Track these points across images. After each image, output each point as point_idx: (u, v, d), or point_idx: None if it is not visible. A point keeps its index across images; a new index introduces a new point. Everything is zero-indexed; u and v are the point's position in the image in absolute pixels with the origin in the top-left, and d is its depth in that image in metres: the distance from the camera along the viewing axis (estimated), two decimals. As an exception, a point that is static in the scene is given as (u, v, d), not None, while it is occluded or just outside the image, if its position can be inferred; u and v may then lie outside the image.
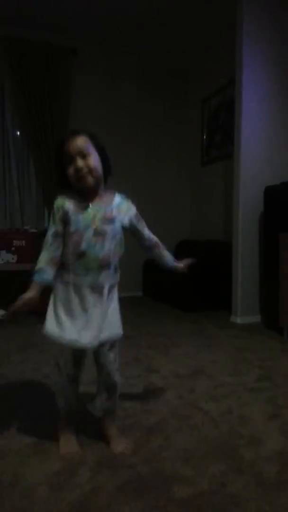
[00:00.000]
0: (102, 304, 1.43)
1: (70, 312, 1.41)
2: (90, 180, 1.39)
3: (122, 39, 4.48)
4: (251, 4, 3.39)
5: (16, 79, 4.16)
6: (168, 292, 4.20)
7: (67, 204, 1.40)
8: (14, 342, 2.96)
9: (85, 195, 1.43)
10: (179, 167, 5.08)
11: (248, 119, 3.45)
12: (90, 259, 1.40)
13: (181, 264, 1.70)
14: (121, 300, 1.53)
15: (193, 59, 4.83)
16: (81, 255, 1.40)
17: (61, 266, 1.42)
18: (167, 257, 1.66)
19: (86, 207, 1.41)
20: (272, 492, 1.28)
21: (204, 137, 4.77)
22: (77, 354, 1.48)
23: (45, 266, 1.39)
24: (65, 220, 1.40)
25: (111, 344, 1.51)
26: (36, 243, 4.15)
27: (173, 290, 4.11)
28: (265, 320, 3.42)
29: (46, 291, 1.43)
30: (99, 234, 1.41)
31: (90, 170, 1.38)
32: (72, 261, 1.40)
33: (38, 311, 1.48)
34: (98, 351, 1.50)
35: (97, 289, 1.42)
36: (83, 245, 1.39)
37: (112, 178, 1.53)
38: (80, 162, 1.38)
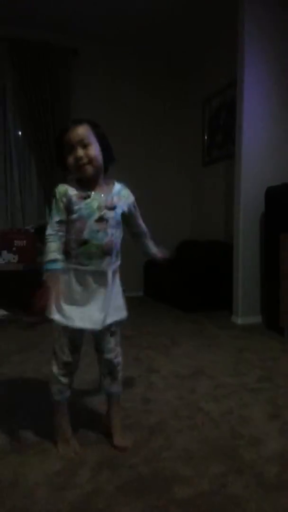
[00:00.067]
0: (106, 289, 1.45)
1: (73, 301, 1.42)
2: (89, 169, 1.41)
3: (123, 39, 4.48)
4: (252, 4, 3.39)
5: (17, 79, 4.16)
6: (169, 292, 4.20)
7: (70, 191, 1.41)
8: (14, 342, 2.96)
9: (85, 183, 1.44)
10: (180, 168, 5.08)
11: (249, 119, 3.45)
12: (93, 247, 1.41)
13: (160, 255, 1.73)
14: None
15: (194, 59, 4.83)
16: (84, 242, 1.41)
17: (63, 255, 1.43)
18: (150, 246, 1.70)
19: (88, 195, 1.42)
20: (273, 493, 1.28)
21: (205, 137, 4.77)
22: (74, 342, 1.48)
23: (56, 255, 1.38)
24: (68, 208, 1.40)
25: (113, 330, 1.53)
26: (37, 243, 4.16)
27: (174, 290, 4.11)
28: (265, 321, 3.42)
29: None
30: (102, 221, 1.43)
31: (90, 160, 1.40)
32: (75, 249, 1.41)
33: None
34: (99, 337, 1.52)
35: (100, 275, 1.44)
36: (86, 233, 1.40)
37: (113, 175, 1.54)
38: (80, 152, 1.39)
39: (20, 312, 3.45)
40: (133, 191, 1.59)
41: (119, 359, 1.59)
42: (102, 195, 1.45)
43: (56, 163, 1.50)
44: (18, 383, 2.20)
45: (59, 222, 1.40)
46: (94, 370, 1.71)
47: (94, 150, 1.41)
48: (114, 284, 1.51)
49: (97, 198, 1.44)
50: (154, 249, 1.70)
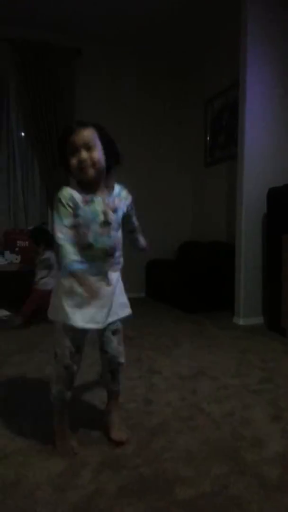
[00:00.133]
0: (108, 288, 1.47)
1: (75, 304, 1.43)
2: (92, 172, 1.42)
3: (124, 39, 4.49)
4: (254, 4, 3.39)
5: (21, 79, 4.18)
6: (171, 293, 4.20)
7: (74, 195, 1.41)
8: (14, 342, 2.96)
9: (86, 186, 1.44)
10: (182, 168, 5.09)
11: (251, 120, 3.45)
12: (98, 250, 1.43)
13: (147, 248, 1.75)
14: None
15: (196, 59, 4.83)
16: (88, 246, 1.42)
17: None
18: (140, 239, 1.71)
19: (91, 199, 1.43)
20: (274, 494, 1.28)
21: (208, 138, 4.77)
22: (76, 344, 1.49)
23: (76, 256, 1.36)
24: (73, 212, 1.40)
25: (115, 329, 1.55)
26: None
27: (176, 291, 4.11)
28: (267, 322, 3.42)
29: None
30: (105, 225, 1.44)
31: (93, 163, 1.41)
32: (79, 252, 1.40)
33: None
34: (102, 336, 1.55)
35: (102, 277, 1.46)
36: (91, 237, 1.41)
37: (115, 177, 1.55)
38: (84, 154, 1.40)
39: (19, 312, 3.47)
40: (135, 191, 1.60)
41: (122, 359, 1.60)
42: (105, 197, 1.47)
43: (59, 163, 1.51)
44: (19, 383, 2.21)
45: (69, 225, 1.39)
46: (95, 371, 1.72)
47: (98, 153, 1.42)
48: (117, 283, 1.53)
49: (100, 201, 1.44)
50: (143, 242, 1.72)
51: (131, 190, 1.58)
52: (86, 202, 1.42)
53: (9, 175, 4.35)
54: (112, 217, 1.46)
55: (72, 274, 1.35)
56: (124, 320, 1.59)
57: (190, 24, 4.17)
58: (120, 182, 1.57)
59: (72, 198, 1.40)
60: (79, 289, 1.40)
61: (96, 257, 1.44)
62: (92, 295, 1.36)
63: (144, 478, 1.36)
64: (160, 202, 4.94)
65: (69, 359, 1.48)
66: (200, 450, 1.53)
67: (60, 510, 1.21)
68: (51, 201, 4.27)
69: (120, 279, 1.56)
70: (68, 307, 1.42)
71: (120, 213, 1.50)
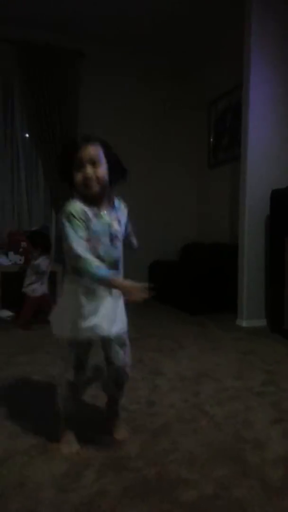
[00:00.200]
0: (112, 298, 1.48)
1: (80, 315, 1.43)
2: (96, 188, 1.43)
3: (127, 40, 4.50)
4: (259, 5, 3.39)
5: (24, 79, 4.20)
6: (174, 295, 4.21)
7: (85, 209, 1.42)
8: (19, 343, 2.98)
9: (90, 200, 1.45)
10: (186, 170, 5.09)
11: (255, 121, 3.45)
12: (106, 262, 1.43)
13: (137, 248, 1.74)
14: (126, 302, 1.55)
15: (199, 61, 4.83)
16: (97, 259, 1.41)
17: (71, 271, 1.45)
18: (133, 241, 1.71)
19: (100, 213, 1.45)
20: (277, 497, 1.28)
21: (211, 139, 4.77)
22: (81, 358, 1.50)
23: (100, 263, 1.38)
24: (86, 225, 1.41)
25: (122, 342, 1.56)
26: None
27: (179, 293, 4.11)
28: (270, 324, 3.42)
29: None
30: (114, 238, 1.47)
31: (98, 179, 1.42)
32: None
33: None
34: (109, 348, 1.54)
35: (108, 288, 1.46)
36: (101, 250, 1.43)
37: (115, 191, 1.56)
38: (89, 170, 1.41)
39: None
40: (139, 193, 1.61)
41: (128, 370, 1.61)
42: (111, 211, 1.49)
43: (61, 178, 1.50)
44: (24, 384, 2.22)
45: (84, 239, 1.39)
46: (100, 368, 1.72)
47: (103, 169, 1.43)
48: (120, 295, 1.52)
49: (106, 215, 1.47)
50: (135, 242, 1.72)
51: (135, 192, 1.60)
52: (96, 216, 1.43)
53: (13, 176, 4.37)
54: (118, 229, 1.49)
55: (103, 280, 1.36)
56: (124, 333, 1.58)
57: (193, 24, 4.17)
58: (124, 184, 1.58)
59: (83, 212, 1.41)
60: (85, 301, 1.42)
61: None
62: (131, 291, 1.35)
63: (147, 480, 1.37)
64: (163, 203, 4.94)
65: (78, 372, 1.50)
66: (202, 452, 1.53)
67: (63, 511, 1.22)
68: (55, 202, 4.30)
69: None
70: (76, 320, 1.43)
71: (123, 226, 1.54)
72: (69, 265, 1.45)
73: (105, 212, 1.47)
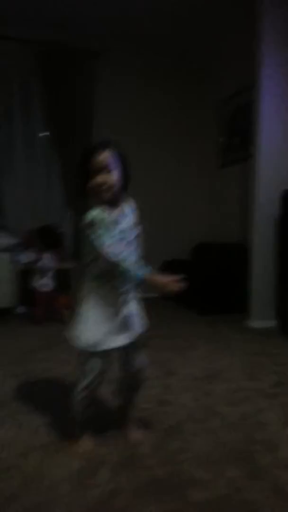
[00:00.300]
0: (132, 303, 1.54)
1: (103, 320, 1.47)
2: (109, 195, 1.47)
3: (142, 41, 4.51)
4: (270, 6, 3.37)
5: (42, 79, 4.24)
6: (185, 295, 4.20)
7: (107, 214, 1.45)
8: (37, 339, 3.04)
9: (106, 205, 1.48)
10: (196, 170, 5.08)
11: (267, 121, 3.44)
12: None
13: None
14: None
15: (211, 60, 4.82)
16: None
17: (95, 277, 1.49)
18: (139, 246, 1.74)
19: (120, 218, 1.48)
20: (288, 499, 1.31)
21: (222, 139, 4.76)
22: (105, 367, 1.52)
23: (137, 264, 1.42)
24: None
25: (138, 345, 1.58)
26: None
27: (190, 293, 4.09)
28: (281, 325, 3.42)
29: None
30: (133, 241, 1.52)
31: (111, 186, 1.46)
32: (110, 269, 1.43)
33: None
34: (126, 352, 1.57)
35: (128, 292, 1.52)
36: (124, 253, 1.44)
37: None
38: (102, 178, 1.45)
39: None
40: (151, 193, 1.63)
41: (145, 373, 1.65)
42: (128, 215, 1.53)
43: (78, 189, 1.54)
44: (42, 380, 2.27)
45: (114, 242, 1.41)
46: (114, 370, 1.76)
47: (115, 176, 1.46)
48: (136, 298, 1.57)
49: (127, 219, 1.51)
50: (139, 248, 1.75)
51: (146, 192, 1.63)
52: (116, 220, 1.47)
53: (31, 175, 4.41)
54: (135, 231, 1.54)
55: (142, 278, 1.38)
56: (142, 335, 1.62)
57: (204, 24, 4.17)
58: (135, 184, 1.61)
59: (108, 217, 1.44)
60: (107, 304, 1.47)
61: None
62: (167, 285, 1.38)
63: (159, 479, 1.40)
64: (174, 203, 4.95)
65: (97, 384, 1.53)
66: (214, 453, 1.56)
67: (79, 507, 1.26)
68: (71, 201, 4.34)
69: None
70: (98, 329, 1.46)
71: (136, 227, 1.57)
72: (95, 272, 1.48)
73: (125, 216, 1.51)
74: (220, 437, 1.68)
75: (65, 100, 4.29)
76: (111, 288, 1.48)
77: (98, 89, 4.47)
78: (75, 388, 1.55)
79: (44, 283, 3.54)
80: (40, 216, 4.32)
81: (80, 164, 1.48)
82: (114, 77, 4.59)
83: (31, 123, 4.40)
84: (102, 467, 1.45)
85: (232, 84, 4.46)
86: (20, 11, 3.94)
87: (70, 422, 1.62)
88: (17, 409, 1.90)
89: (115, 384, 1.69)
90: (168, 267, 4.68)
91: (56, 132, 4.33)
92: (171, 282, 1.38)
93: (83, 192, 1.50)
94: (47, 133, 4.43)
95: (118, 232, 1.46)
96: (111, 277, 1.46)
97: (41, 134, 4.45)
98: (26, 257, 3.67)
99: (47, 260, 3.53)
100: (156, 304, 4.63)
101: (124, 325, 1.50)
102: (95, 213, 1.43)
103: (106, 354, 1.50)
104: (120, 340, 1.49)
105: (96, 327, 1.47)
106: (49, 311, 3.55)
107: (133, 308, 1.55)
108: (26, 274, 3.64)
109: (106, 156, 1.45)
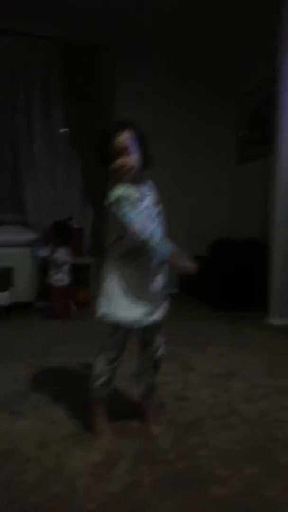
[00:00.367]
0: (159, 281, 1.56)
1: (128, 296, 1.50)
2: (132, 173, 1.49)
3: (162, 35, 4.47)
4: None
5: (63, 75, 4.25)
6: (204, 291, 4.20)
7: (133, 191, 1.47)
8: (55, 333, 3.07)
9: (129, 184, 1.50)
10: (216, 165, 5.03)
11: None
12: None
13: None
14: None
15: (232, 53, 4.75)
16: None
17: (123, 254, 1.50)
18: None
19: (143, 194, 1.50)
20: (308, 498, 1.29)
21: (243, 134, 4.70)
22: (126, 340, 1.56)
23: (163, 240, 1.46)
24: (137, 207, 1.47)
25: (159, 325, 1.62)
26: (81, 237, 4.26)
27: (209, 289, 4.10)
28: (302, 322, 3.37)
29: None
30: (157, 215, 1.55)
31: (131, 167, 1.48)
32: (137, 247, 1.45)
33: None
34: (145, 330, 1.60)
35: (154, 269, 1.53)
36: (150, 230, 1.45)
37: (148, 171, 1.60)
38: (123, 159, 1.47)
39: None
40: (170, 187, 1.65)
41: (164, 351, 1.70)
42: (151, 191, 1.56)
43: (99, 164, 1.56)
44: (62, 374, 2.30)
45: (140, 219, 1.44)
46: (133, 364, 1.77)
47: (135, 157, 1.49)
48: (165, 277, 1.60)
49: (150, 195, 1.54)
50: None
51: (166, 186, 1.65)
52: (143, 197, 1.49)
53: (52, 171, 4.44)
54: (158, 208, 1.56)
55: (168, 254, 1.41)
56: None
57: (226, 17, 4.10)
58: (154, 179, 1.63)
59: (133, 194, 1.46)
60: (136, 280, 1.50)
61: None
62: (188, 263, 1.42)
63: (178, 474, 1.40)
64: (194, 198, 4.92)
65: (117, 356, 1.56)
66: (233, 449, 1.55)
67: (98, 499, 1.27)
68: (91, 196, 4.36)
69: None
70: (123, 302, 1.49)
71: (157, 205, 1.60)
72: (120, 250, 1.50)
73: (149, 192, 1.54)
74: (239, 434, 1.67)
75: (85, 96, 4.30)
76: (137, 265, 1.50)
77: (118, 84, 4.46)
78: (95, 364, 1.58)
79: (60, 278, 3.57)
80: (60, 211, 4.35)
81: (100, 146, 1.51)
82: (134, 72, 4.57)
83: (52, 119, 4.42)
84: (121, 460, 1.46)
85: (255, 77, 4.39)
86: (39, 7, 3.95)
87: (89, 409, 1.64)
88: (36, 401, 1.93)
89: (135, 367, 1.73)
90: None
91: (76, 128, 4.35)
92: (189, 263, 1.42)
93: (105, 172, 1.53)
94: (67, 129, 4.46)
95: (143, 208, 1.48)
96: (137, 254, 1.48)
97: (61, 130, 4.48)
98: (43, 251, 3.71)
99: (61, 254, 3.56)
100: (175, 300, 4.60)
101: (149, 303, 1.53)
102: (121, 191, 1.45)
103: (128, 330, 1.53)
104: (144, 316, 1.52)
105: (121, 303, 1.49)
106: (66, 305, 3.60)
107: (159, 285, 1.57)
108: (46, 269, 3.68)
109: (125, 138, 1.47)
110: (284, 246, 3.46)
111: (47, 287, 3.66)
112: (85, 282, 3.97)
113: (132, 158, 1.48)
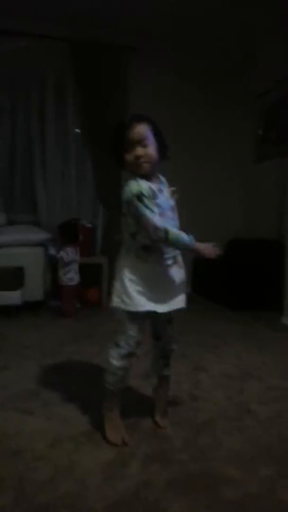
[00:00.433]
0: (180, 269, 1.58)
1: (147, 288, 1.50)
2: (146, 167, 1.48)
3: (177, 33, 4.45)
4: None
5: (76, 75, 4.27)
6: (218, 290, 4.17)
7: (150, 186, 1.47)
8: (66, 332, 3.07)
9: (143, 178, 1.49)
10: (232, 164, 4.99)
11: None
12: None
13: None
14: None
15: (249, 52, 4.71)
16: None
17: (137, 248, 1.50)
18: None
19: (160, 189, 1.51)
20: None
21: (259, 133, 4.65)
22: (141, 332, 1.55)
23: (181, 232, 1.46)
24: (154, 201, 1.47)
25: (171, 317, 1.64)
26: (92, 237, 4.26)
27: (223, 289, 4.07)
28: None
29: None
30: (173, 210, 1.56)
31: (149, 158, 1.47)
32: (154, 240, 1.45)
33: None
34: (157, 323, 1.64)
35: (174, 261, 1.55)
36: (167, 222, 1.46)
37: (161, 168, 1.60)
38: (140, 151, 1.46)
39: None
40: (186, 185, 1.65)
41: (175, 345, 1.73)
42: (165, 186, 1.57)
43: (113, 157, 1.55)
44: (73, 373, 2.30)
45: (158, 213, 1.44)
46: (147, 362, 1.76)
47: (152, 149, 1.48)
48: (183, 269, 1.61)
49: (165, 190, 1.54)
50: None
51: (180, 185, 1.64)
52: (158, 191, 1.49)
53: (64, 172, 4.46)
54: (173, 202, 1.56)
55: (188, 245, 1.43)
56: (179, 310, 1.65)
57: (244, 14, 4.07)
58: (170, 177, 1.63)
59: (150, 189, 1.45)
60: (153, 277, 1.50)
61: None
62: (208, 250, 1.46)
63: (191, 474, 1.38)
64: (209, 197, 4.89)
65: (133, 349, 1.54)
66: (247, 451, 1.53)
67: (109, 498, 1.26)
68: (103, 196, 4.36)
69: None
70: (137, 293, 1.49)
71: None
72: (137, 243, 1.50)
73: (164, 187, 1.54)
74: (252, 435, 1.65)
75: (99, 96, 4.31)
76: (153, 258, 1.50)
77: (132, 85, 4.46)
78: (108, 360, 1.57)
79: (69, 277, 3.57)
80: (72, 211, 4.36)
81: (115, 136, 1.50)
82: (149, 73, 4.56)
83: (65, 120, 4.44)
84: (133, 459, 1.45)
85: (272, 75, 4.34)
86: (53, 8, 3.97)
87: (101, 407, 1.63)
88: (48, 400, 1.92)
89: (149, 360, 1.75)
90: (200, 262, 4.63)
91: (89, 128, 4.35)
92: (210, 248, 1.47)
93: (120, 164, 1.52)
94: (80, 130, 4.47)
95: (163, 201, 1.49)
96: (153, 247, 1.48)
97: (74, 131, 4.50)
98: (51, 250, 3.73)
99: (68, 253, 3.56)
100: (189, 299, 4.57)
101: (163, 293, 1.53)
102: (138, 185, 1.44)
103: (142, 318, 1.52)
104: (160, 307, 1.52)
105: (135, 292, 1.49)
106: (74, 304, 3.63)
107: (175, 278, 1.57)
108: (57, 268, 3.70)
109: (142, 129, 1.46)
110: (299, 246, 3.41)
111: (58, 287, 3.67)
112: (97, 282, 3.97)
113: (149, 149, 1.47)
